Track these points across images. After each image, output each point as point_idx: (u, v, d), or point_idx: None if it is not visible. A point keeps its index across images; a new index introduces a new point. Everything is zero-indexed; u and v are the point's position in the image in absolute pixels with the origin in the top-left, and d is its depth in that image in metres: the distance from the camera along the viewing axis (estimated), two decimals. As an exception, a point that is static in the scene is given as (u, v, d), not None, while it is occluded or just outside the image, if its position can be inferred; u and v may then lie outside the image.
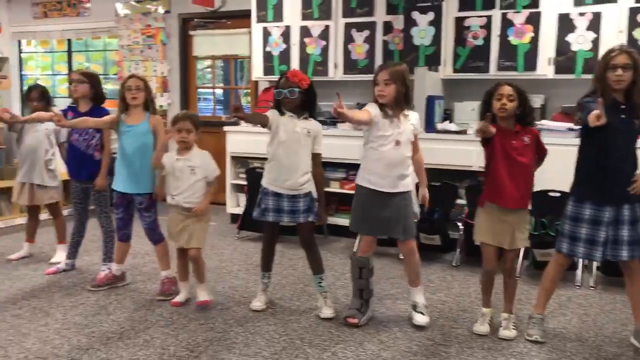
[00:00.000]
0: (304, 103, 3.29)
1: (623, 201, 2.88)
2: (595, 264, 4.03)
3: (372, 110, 3.09)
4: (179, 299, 3.55)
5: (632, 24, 4.55)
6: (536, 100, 4.95)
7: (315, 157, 3.34)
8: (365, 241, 3.28)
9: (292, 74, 3.28)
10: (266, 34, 5.91)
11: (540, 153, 3.13)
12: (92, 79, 3.95)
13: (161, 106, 6.97)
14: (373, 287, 3.37)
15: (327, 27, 5.64)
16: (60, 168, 4.48)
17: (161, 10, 7.02)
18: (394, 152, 3.09)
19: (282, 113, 3.28)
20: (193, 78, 7.14)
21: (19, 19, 7.88)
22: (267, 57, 5.93)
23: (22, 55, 8.36)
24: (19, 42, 8.21)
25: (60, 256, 4.34)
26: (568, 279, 4.01)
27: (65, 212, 4.71)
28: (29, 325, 3.19)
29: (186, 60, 7.05)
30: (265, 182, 3.36)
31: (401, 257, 3.69)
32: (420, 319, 3.20)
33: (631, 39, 4.52)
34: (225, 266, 4.36)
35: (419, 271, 3.28)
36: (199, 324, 3.24)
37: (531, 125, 3.08)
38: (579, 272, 4.04)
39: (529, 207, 3.14)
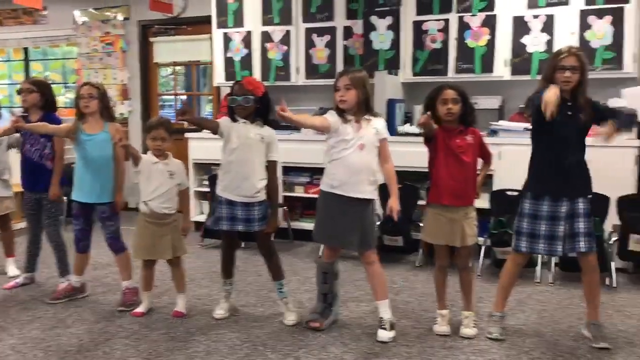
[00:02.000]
0: (258, 110, 3.27)
1: (578, 195, 2.95)
2: (554, 261, 4.13)
3: (330, 117, 3.10)
4: (140, 309, 3.50)
5: (583, 26, 4.68)
6: (493, 102, 5.06)
7: (271, 164, 3.32)
8: (328, 248, 3.30)
9: (247, 82, 3.27)
10: (227, 39, 5.89)
11: (485, 157, 3.20)
12: (42, 87, 3.87)
13: (122, 114, 6.89)
14: (338, 290, 3.38)
15: (288, 32, 5.65)
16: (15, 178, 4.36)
17: (120, 17, 6.94)
18: (357, 157, 3.09)
19: (234, 120, 3.26)
20: (154, 85, 7.08)
21: (-26, 27, 7.69)
22: (229, 62, 5.91)
23: (-22, 64, 8.17)
24: (-26, 52, 8.03)
25: (13, 270, 4.24)
26: (528, 276, 4.09)
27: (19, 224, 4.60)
28: (-16, 342, 3.11)
29: (147, 67, 6.98)
30: (218, 190, 3.33)
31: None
32: (383, 334, 3.09)
33: (583, 40, 4.65)
34: (188, 275, 4.30)
35: (383, 283, 3.19)
36: (161, 333, 3.20)
37: (473, 124, 3.13)
38: (538, 268, 4.13)
39: (474, 204, 3.17)
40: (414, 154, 4.81)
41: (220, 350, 2.98)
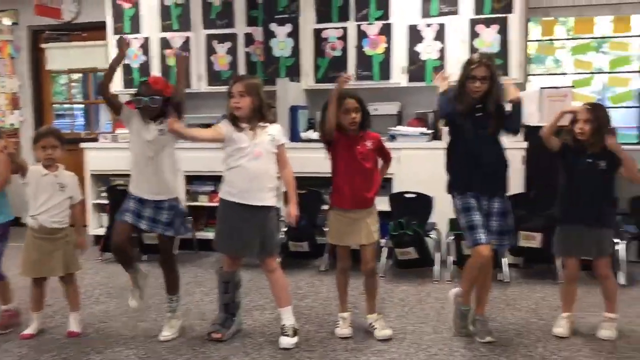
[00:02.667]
0: (166, 112, 3.15)
1: (493, 194, 3.07)
2: (451, 258, 4.29)
3: (223, 127, 3.07)
4: (29, 330, 3.29)
5: (473, 34, 4.93)
6: (392, 108, 5.21)
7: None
8: (229, 257, 3.24)
9: (154, 81, 3.17)
10: (124, 46, 5.69)
11: (384, 157, 3.29)
12: None
13: (12, 124, 6.48)
14: (240, 299, 3.33)
15: (187, 38, 5.55)
16: None
17: (8, 22, 6.53)
18: (253, 164, 3.06)
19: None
20: (48, 93, 6.71)
21: None
22: (126, 69, 5.72)
23: None
24: None
25: None
26: (427, 274, 4.24)
27: None
28: None
29: (39, 74, 6.61)
30: (130, 188, 3.23)
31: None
32: (285, 341, 3.07)
33: (472, 48, 4.89)
34: (85, 291, 4.10)
35: (285, 289, 3.18)
36: (52, 356, 3.02)
37: (369, 128, 3.19)
38: (436, 267, 4.27)
39: (375, 205, 3.23)
40: (317, 160, 4.82)
41: (117, 369, 2.86)
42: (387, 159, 3.31)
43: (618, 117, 5.94)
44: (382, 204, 4.09)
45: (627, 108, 5.39)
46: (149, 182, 3.15)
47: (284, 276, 3.22)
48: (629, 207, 4.24)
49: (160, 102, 3.11)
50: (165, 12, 5.58)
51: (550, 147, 3.18)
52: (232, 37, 5.45)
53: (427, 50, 5.02)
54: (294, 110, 5.10)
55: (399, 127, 4.95)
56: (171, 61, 5.56)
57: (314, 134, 5.06)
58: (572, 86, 4.79)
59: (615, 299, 3.17)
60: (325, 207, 4.74)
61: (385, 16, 5.08)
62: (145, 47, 5.65)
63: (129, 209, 3.16)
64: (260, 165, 3.06)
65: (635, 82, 5.24)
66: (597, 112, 3.05)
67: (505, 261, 4.20)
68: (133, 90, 5.51)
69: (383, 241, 4.20)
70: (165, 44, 5.60)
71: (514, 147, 4.42)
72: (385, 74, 5.12)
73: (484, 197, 3.06)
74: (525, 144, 4.48)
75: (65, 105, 7.03)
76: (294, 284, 4.19)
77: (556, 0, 5.07)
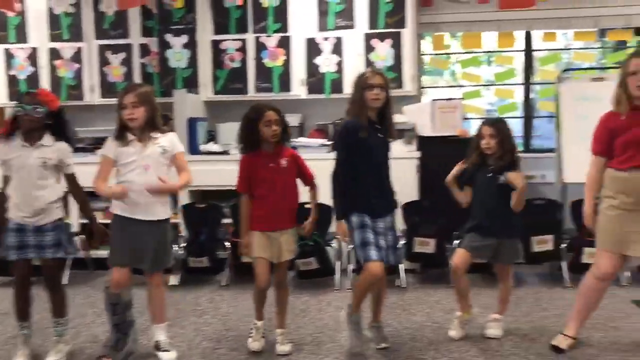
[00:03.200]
0: (50, 127, 3.00)
1: (384, 214, 3.06)
2: (351, 267, 4.36)
3: (109, 153, 2.97)
4: None
5: (368, 48, 5.07)
6: (293, 119, 5.23)
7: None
8: (118, 273, 3.06)
9: (44, 93, 3.02)
10: (9, 56, 5.39)
11: (305, 179, 3.20)
12: None
13: None
14: (134, 318, 3.20)
15: (79, 49, 5.33)
16: None
17: None
18: (143, 177, 2.97)
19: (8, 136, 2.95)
20: None
21: None
22: (12, 81, 5.41)
23: None
24: None
25: None
26: (327, 284, 4.28)
27: None
28: None
29: None
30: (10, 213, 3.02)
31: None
32: (166, 356, 3.04)
33: (368, 62, 5.03)
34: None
35: (163, 306, 3.16)
36: None
37: (288, 141, 3.17)
38: (337, 276, 4.33)
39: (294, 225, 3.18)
40: (216, 172, 4.80)
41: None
42: (307, 180, 3.21)
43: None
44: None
45: (512, 119, 5.73)
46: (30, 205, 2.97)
47: (164, 293, 3.17)
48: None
49: (43, 114, 2.94)
50: (54, 21, 5.32)
51: (457, 198, 3.27)
52: (126, 48, 5.28)
53: (326, 62, 5.10)
54: (192, 122, 5.00)
55: (300, 139, 4.98)
56: (61, 72, 5.32)
57: (213, 146, 5.00)
58: (462, 98, 5.04)
59: (508, 301, 3.34)
60: (226, 220, 4.70)
61: (283, 29, 5.12)
62: (32, 57, 5.36)
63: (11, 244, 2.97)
64: (149, 178, 2.96)
65: (519, 94, 5.59)
66: (499, 126, 3.18)
67: (402, 267, 4.32)
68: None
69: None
70: (55, 54, 5.34)
71: (407, 156, 4.59)
72: (285, 86, 5.16)
73: (375, 217, 3.02)
74: (418, 154, 4.65)
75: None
76: (193, 301, 4.09)
77: (446, 17, 5.33)
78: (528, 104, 5.60)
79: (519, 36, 5.45)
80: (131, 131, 2.98)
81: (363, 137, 2.96)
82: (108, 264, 3.10)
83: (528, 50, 5.51)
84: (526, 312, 3.71)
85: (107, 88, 5.34)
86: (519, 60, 5.56)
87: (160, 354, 3.05)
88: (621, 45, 5.59)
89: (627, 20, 5.19)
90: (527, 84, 5.57)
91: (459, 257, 3.22)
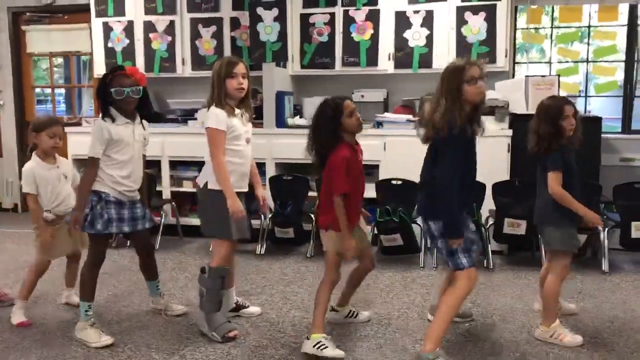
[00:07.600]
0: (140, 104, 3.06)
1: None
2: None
3: (221, 124, 2.90)
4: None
5: (460, 22, 4.91)
6: (379, 95, 5.19)
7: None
8: (231, 247, 3.07)
9: (132, 70, 3.02)
10: (107, 29, 5.61)
11: None
12: None
13: (-8, 108, 6.36)
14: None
15: (172, 22, 5.48)
16: None
17: (-13, 3, 6.38)
18: (248, 150, 3.06)
19: (112, 119, 2.95)
20: (28, 77, 6.57)
21: None
22: (110, 53, 5.64)
23: None
24: None
25: None
26: (412, 261, 4.25)
27: None
28: None
29: (19, 58, 6.46)
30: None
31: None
32: (255, 309, 3.26)
33: (460, 36, 4.88)
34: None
35: None
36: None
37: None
38: (422, 254, 4.28)
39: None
40: (303, 146, 4.83)
41: (101, 354, 2.82)
42: None
43: (603, 107, 6.01)
44: (369, 190, 4.06)
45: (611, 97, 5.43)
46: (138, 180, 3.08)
47: None
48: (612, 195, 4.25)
49: (140, 92, 2.99)
50: (150, -6, 5.48)
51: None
52: (217, 21, 5.38)
53: (415, 37, 5.00)
54: (280, 95, 5.05)
55: (385, 114, 4.94)
56: (155, 45, 5.50)
57: (299, 120, 5.04)
58: (558, 75, 4.81)
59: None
60: (312, 193, 4.74)
61: (373, 2, 5.04)
62: (128, 30, 5.56)
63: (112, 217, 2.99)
64: (250, 150, 3.10)
65: (620, 72, 5.27)
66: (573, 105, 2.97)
67: (489, 248, 4.22)
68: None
69: (369, 228, 4.19)
70: (149, 27, 5.51)
71: (498, 134, 4.45)
72: (372, 60, 5.09)
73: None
74: (509, 132, 4.49)
75: (47, 90, 6.91)
76: (280, 270, 4.18)
77: (543, -11, 5.08)
78: (629, 84, 5.27)
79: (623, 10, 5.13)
80: (233, 103, 3.00)
81: (471, 137, 2.62)
82: (229, 237, 3.00)
83: (632, 25, 5.17)
84: (622, 299, 3.54)
85: (197, 61, 5.47)
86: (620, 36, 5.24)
87: (249, 310, 3.26)
88: None
89: None
90: (630, 61, 5.23)
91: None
